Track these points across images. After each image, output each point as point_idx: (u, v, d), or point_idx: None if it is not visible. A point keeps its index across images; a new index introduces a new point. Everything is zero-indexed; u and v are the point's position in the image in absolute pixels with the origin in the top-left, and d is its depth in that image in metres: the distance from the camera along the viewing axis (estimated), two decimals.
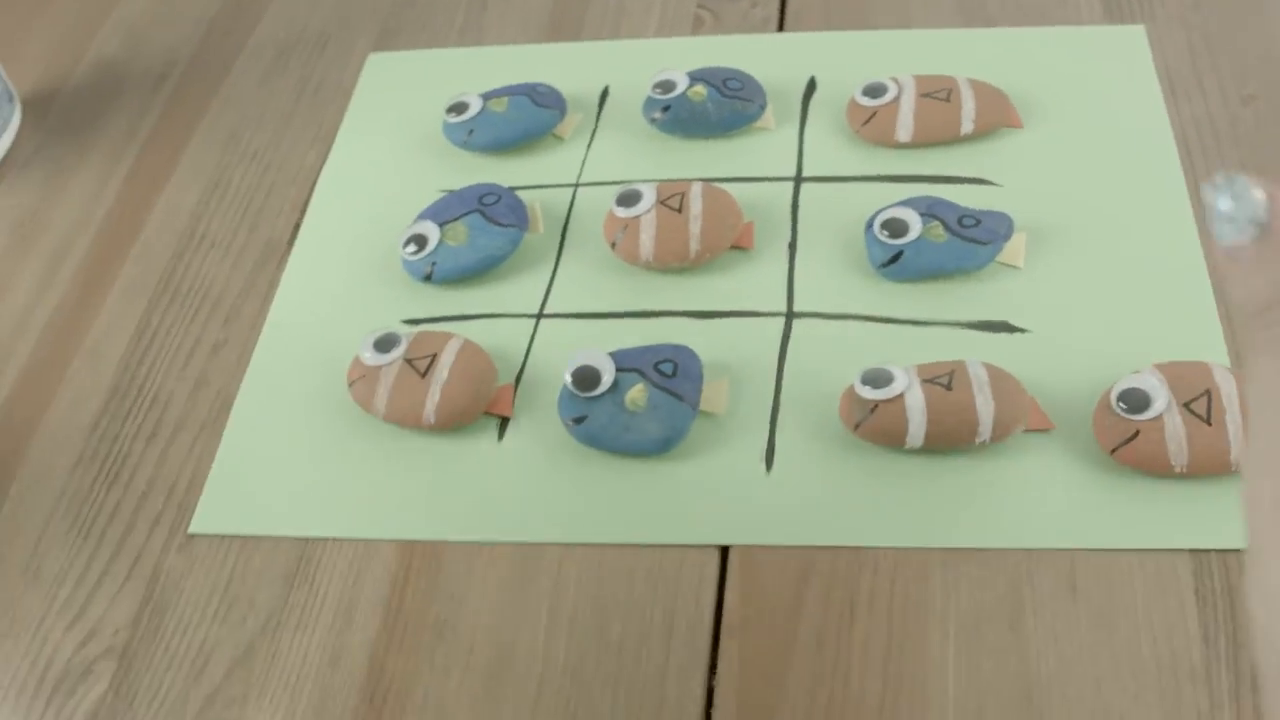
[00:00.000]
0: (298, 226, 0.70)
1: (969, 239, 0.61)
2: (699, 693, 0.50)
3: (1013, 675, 0.49)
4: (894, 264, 0.61)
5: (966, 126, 0.67)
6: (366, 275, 0.66)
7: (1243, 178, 0.34)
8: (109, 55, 0.83)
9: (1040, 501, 0.53)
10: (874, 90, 0.68)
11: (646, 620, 0.52)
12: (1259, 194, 0.34)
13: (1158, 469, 0.53)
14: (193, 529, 0.57)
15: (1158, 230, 0.62)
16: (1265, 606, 0.32)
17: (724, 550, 0.54)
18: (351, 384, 0.60)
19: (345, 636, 0.53)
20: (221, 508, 0.58)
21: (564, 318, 0.63)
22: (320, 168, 0.73)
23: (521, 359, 0.61)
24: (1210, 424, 0.52)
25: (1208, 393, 0.53)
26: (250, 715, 0.52)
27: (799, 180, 0.67)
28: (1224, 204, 0.34)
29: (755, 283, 0.63)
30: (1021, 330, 0.59)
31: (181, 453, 0.60)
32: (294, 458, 0.59)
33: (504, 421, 0.59)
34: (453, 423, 0.58)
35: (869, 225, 0.62)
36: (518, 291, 0.64)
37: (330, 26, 0.82)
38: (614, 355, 0.58)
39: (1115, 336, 0.58)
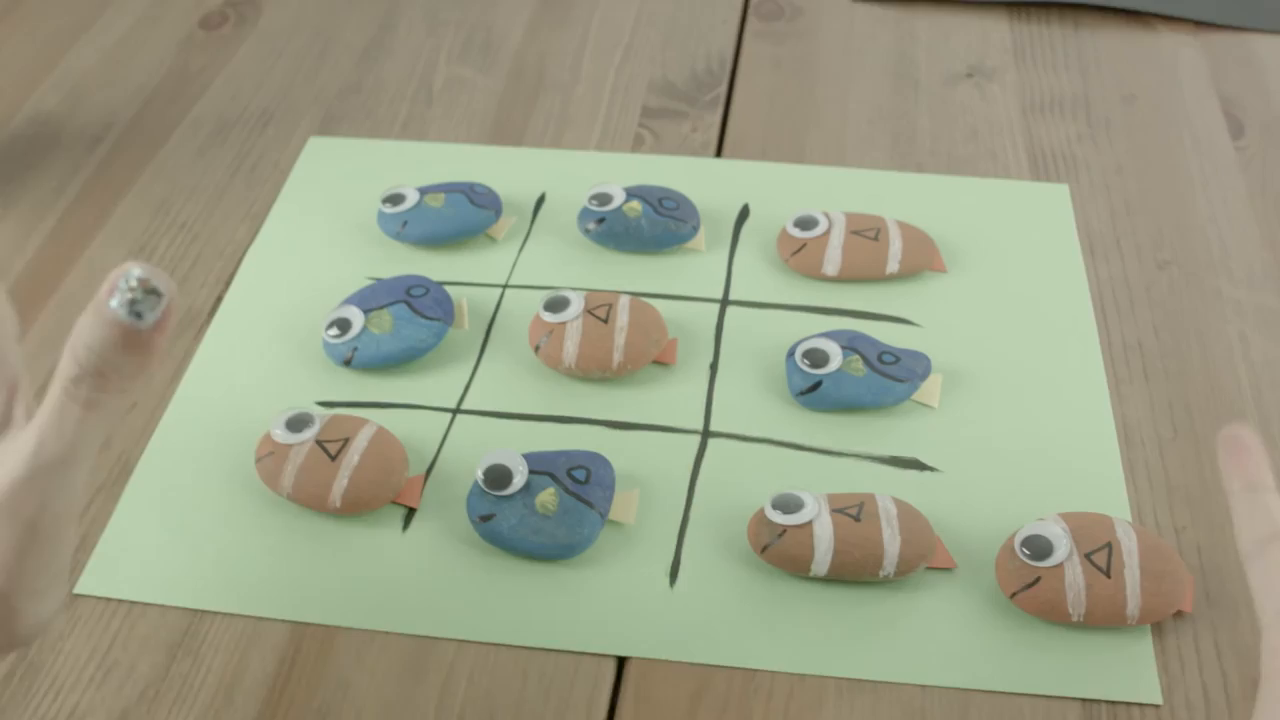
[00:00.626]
0: (220, 299, 0.69)
1: (887, 375, 0.62)
2: None
3: None
4: (812, 393, 0.62)
5: (892, 266, 0.68)
6: (285, 354, 0.66)
7: None
8: (47, 110, 0.83)
9: (938, 639, 0.54)
10: (805, 223, 0.70)
11: None
12: None
13: (1055, 616, 0.53)
14: (78, 589, 0.56)
15: (1070, 384, 0.64)
16: None
17: (620, 661, 0.54)
18: (259, 460, 0.59)
19: (224, 714, 0.52)
20: (110, 570, 0.57)
21: (481, 415, 0.63)
22: (249, 244, 0.72)
23: (434, 452, 0.61)
24: (1109, 576, 0.53)
25: (1109, 545, 0.54)
26: None
27: (725, 303, 0.68)
28: None
29: (674, 399, 0.63)
30: (932, 469, 0.60)
31: None
32: (191, 527, 0.58)
33: (411, 512, 0.59)
34: (359, 509, 0.58)
35: (790, 353, 0.63)
36: (437, 385, 0.64)
37: (274, 106, 0.83)
38: (528, 457, 0.58)
39: (1022, 483, 0.59)
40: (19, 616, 0.42)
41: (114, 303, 0.37)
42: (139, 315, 0.37)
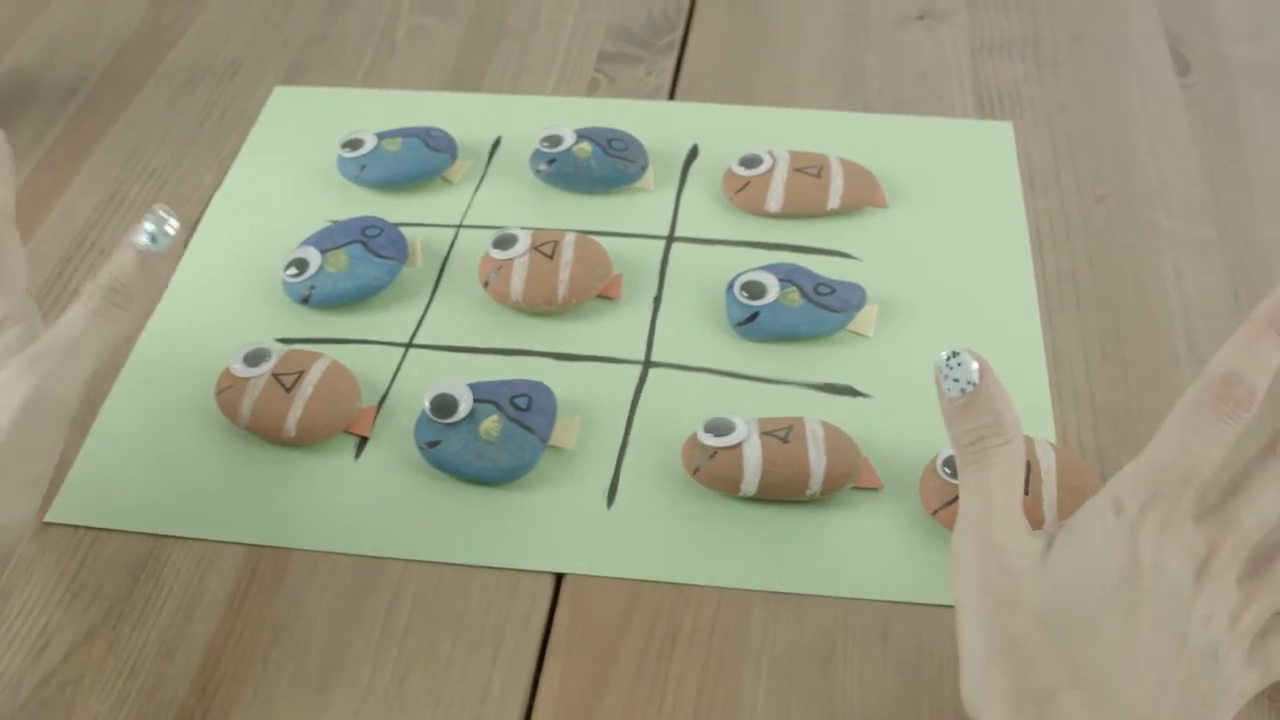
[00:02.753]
0: (186, 243, 0.72)
1: (823, 306, 0.64)
2: (518, 710, 0.52)
3: (818, 715, 0.52)
4: (749, 323, 0.64)
5: (833, 202, 0.70)
6: (248, 293, 0.68)
7: (964, 352, 0.47)
8: (24, 64, 0.85)
9: (862, 555, 0.56)
10: (749, 161, 0.72)
11: (475, 637, 0.54)
12: (975, 365, 0.46)
13: None
14: (48, 517, 0.59)
15: (1003, 312, 0.66)
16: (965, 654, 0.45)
17: (559, 578, 0.56)
18: (219, 393, 0.62)
19: (184, 630, 0.55)
20: (79, 500, 0.59)
21: (432, 349, 0.65)
22: (216, 189, 0.75)
23: (387, 384, 0.64)
24: (1028, 493, 0.56)
25: (1028, 464, 0.56)
26: (84, 697, 0.53)
27: (670, 239, 0.70)
28: (948, 369, 0.47)
29: (618, 331, 0.66)
30: (864, 395, 0.62)
31: None
32: (155, 458, 0.61)
33: (363, 441, 0.61)
34: (312, 438, 0.60)
35: (730, 286, 0.65)
36: (390, 321, 0.67)
37: (242, 57, 0.85)
38: (473, 386, 0.61)
39: None
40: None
41: (140, 235, 0.51)
42: (154, 241, 0.51)
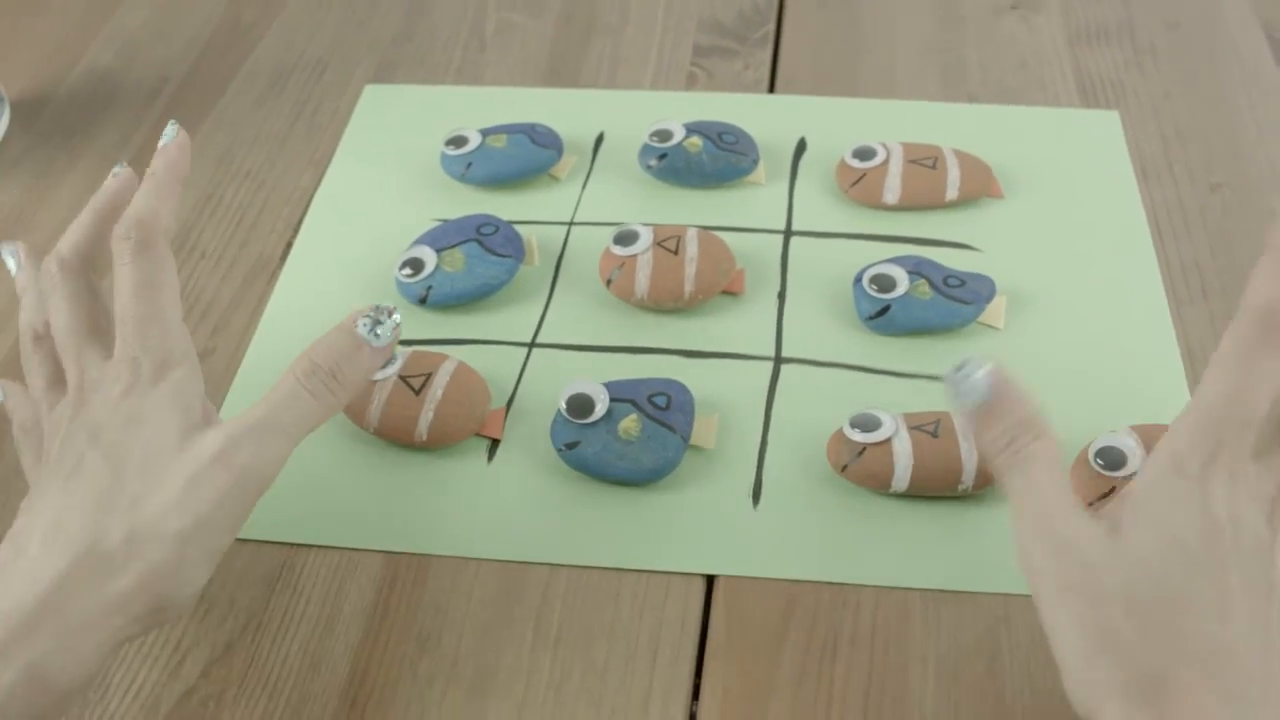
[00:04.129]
0: (290, 245, 0.70)
1: (953, 298, 0.63)
2: (682, 716, 0.51)
3: (990, 714, 0.50)
4: (881, 317, 0.63)
5: (951, 193, 0.69)
6: (359, 294, 0.67)
7: (970, 362, 0.45)
8: (103, 65, 0.84)
9: None
10: (863, 153, 0.71)
11: (631, 643, 0.53)
12: (981, 374, 0.45)
13: None
14: None
15: (1132, 303, 0.65)
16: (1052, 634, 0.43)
17: (709, 580, 0.55)
18: None
19: (326, 642, 0.54)
20: None
21: (556, 348, 0.64)
22: (314, 190, 0.74)
23: (513, 385, 0.62)
24: None
25: None
26: (226, 713, 0.51)
27: (789, 234, 0.69)
28: (958, 382, 0.46)
29: (745, 327, 0.64)
30: None
31: None
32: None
33: (494, 444, 0.60)
34: (444, 441, 0.59)
35: (858, 279, 0.64)
36: (511, 320, 0.65)
37: (328, 55, 0.84)
38: (608, 385, 0.59)
39: (1091, 398, 0.60)
40: (185, 574, 0.46)
41: (359, 324, 0.50)
42: (376, 335, 0.50)
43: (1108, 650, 0.41)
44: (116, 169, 0.56)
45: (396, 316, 0.51)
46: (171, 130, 0.54)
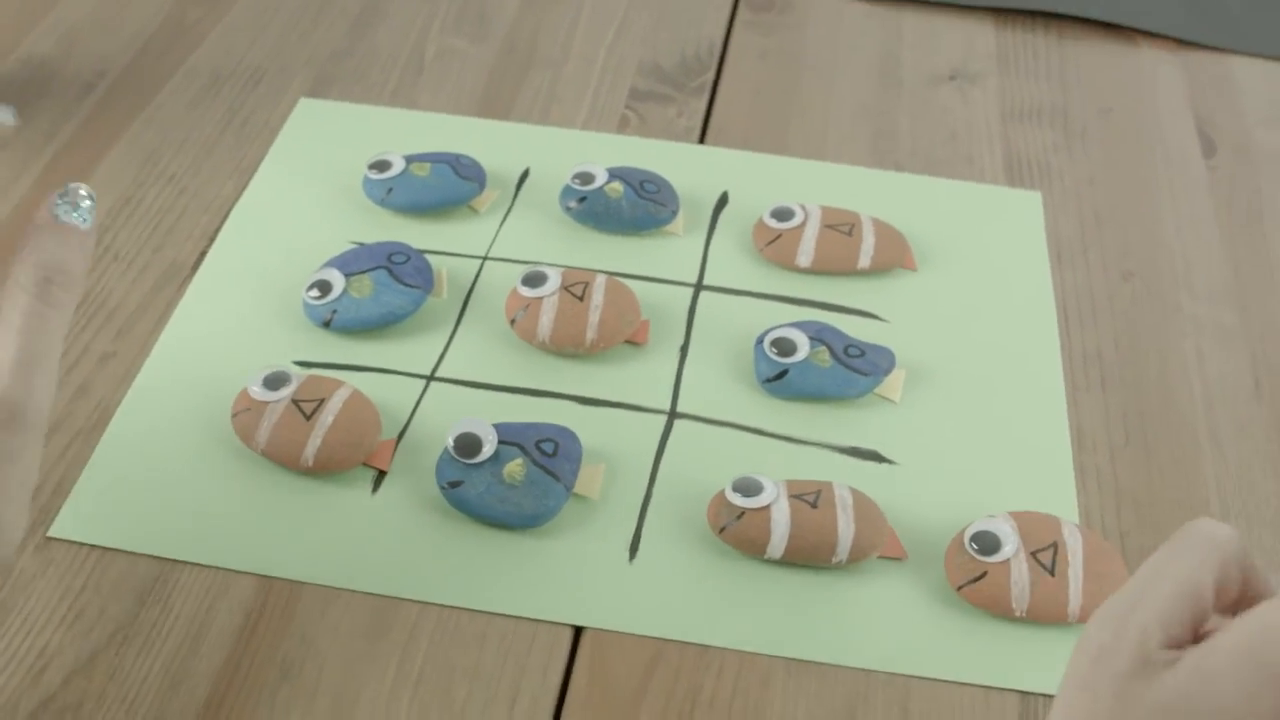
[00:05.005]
0: (204, 254, 0.70)
1: (852, 369, 0.64)
2: None
3: None
4: (778, 381, 0.63)
5: (864, 261, 0.70)
6: (266, 312, 0.67)
7: None
8: (40, 54, 0.83)
9: (885, 626, 0.56)
10: (782, 214, 0.71)
11: (492, 688, 0.53)
12: None
13: (999, 610, 0.55)
14: (52, 532, 0.57)
15: (1029, 387, 0.66)
16: None
17: (577, 631, 0.55)
18: (235, 415, 0.60)
19: (190, 662, 0.53)
20: (85, 516, 0.58)
21: (455, 383, 0.64)
22: (236, 200, 0.73)
23: (407, 417, 0.63)
24: (1053, 575, 0.55)
25: (1054, 545, 0.56)
26: None
27: (699, 287, 0.70)
28: None
29: (644, 378, 0.65)
30: (890, 461, 0.62)
31: (53, 455, 0.60)
32: (166, 478, 0.59)
33: (381, 475, 0.60)
34: (330, 468, 0.59)
35: (759, 340, 0.65)
36: (413, 351, 0.65)
37: (266, 64, 0.84)
38: (498, 427, 0.59)
39: (976, 480, 0.61)
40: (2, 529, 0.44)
41: (58, 210, 0.46)
42: (83, 218, 0.47)
43: None
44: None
45: (85, 189, 0.47)
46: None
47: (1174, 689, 0.37)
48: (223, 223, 0.72)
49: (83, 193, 0.47)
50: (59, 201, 0.46)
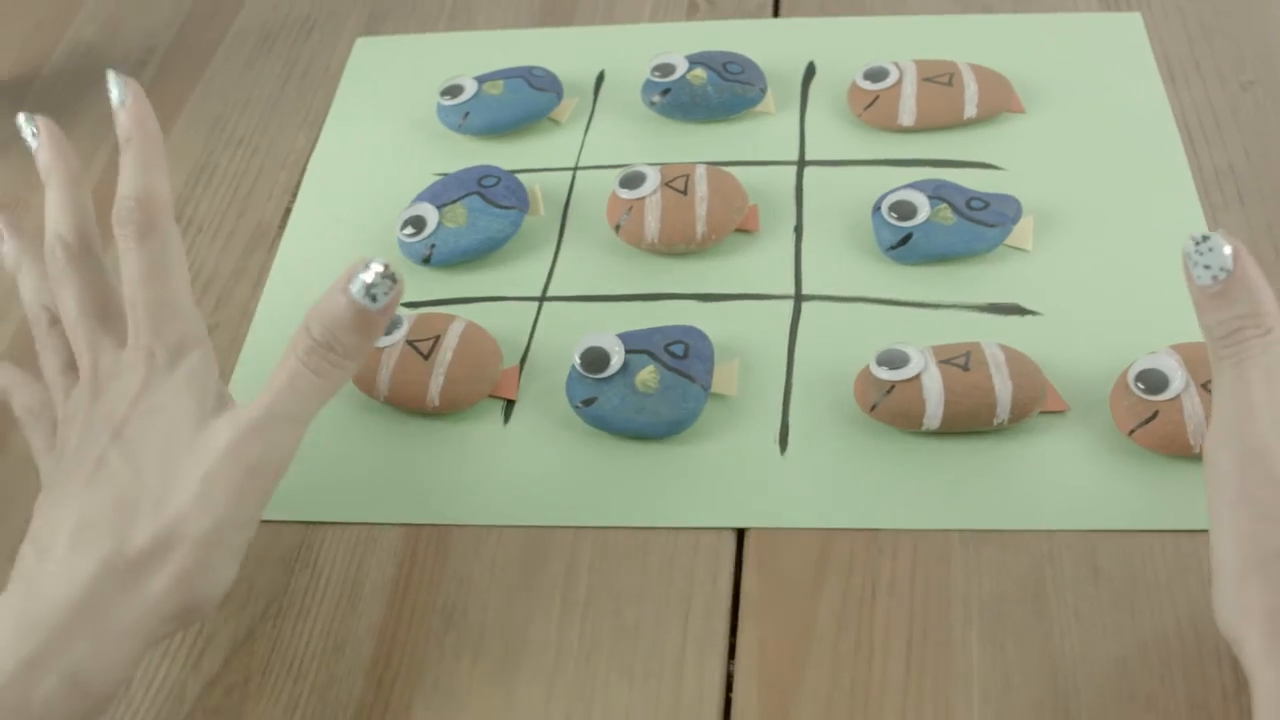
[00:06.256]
0: (288, 211, 0.68)
1: (977, 221, 0.60)
2: (718, 677, 0.49)
3: (1037, 657, 0.48)
4: (903, 246, 0.60)
5: (969, 111, 0.66)
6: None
7: (1217, 235, 0.42)
8: (87, 40, 0.81)
9: (1059, 484, 0.53)
10: (875, 74, 0.68)
11: (662, 604, 0.51)
12: (1227, 248, 0.42)
13: (1176, 449, 0.52)
14: None
15: (1164, 213, 0.62)
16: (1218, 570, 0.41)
17: (740, 533, 0.53)
18: None
19: (349, 622, 0.52)
20: None
21: (568, 300, 0.62)
22: (310, 152, 0.71)
23: (525, 342, 0.60)
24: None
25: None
26: (251, 702, 0.50)
27: (802, 164, 0.66)
28: (1198, 255, 0.43)
29: (762, 265, 0.62)
30: (1033, 313, 0.59)
31: None
32: None
33: (509, 404, 0.58)
34: (457, 405, 0.57)
35: (876, 208, 0.61)
36: (519, 274, 0.63)
37: (315, 11, 0.81)
38: (623, 337, 0.57)
39: (1127, 318, 0.58)
40: (214, 574, 0.45)
41: (354, 287, 0.45)
42: (374, 299, 0.45)
43: (1265, 573, 0.40)
44: (23, 122, 0.54)
45: (394, 275, 0.45)
46: (118, 85, 0.51)
47: None
48: (301, 177, 0.70)
49: (386, 274, 0.45)
50: (361, 277, 0.45)
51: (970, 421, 0.54)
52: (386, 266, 0.45)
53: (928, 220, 0.60)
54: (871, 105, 0.67)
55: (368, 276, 0.45)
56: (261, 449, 0.46)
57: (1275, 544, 0.40)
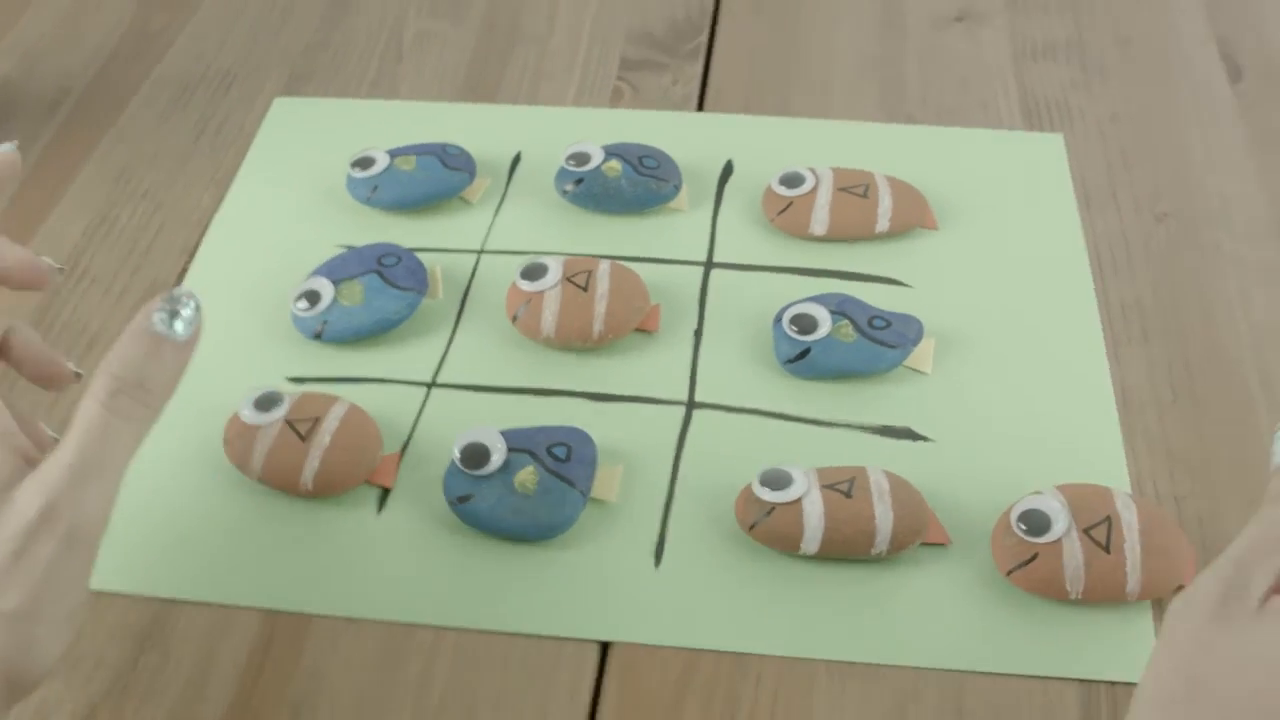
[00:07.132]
0: (185, 271, 0.67)
1: (878, 341, 0.60)
2: None
3: None
4: (800, 360, 0.60)
5: (882, 225, 0.66)
6: (253, 327, 0.63)
7: None
8: (1, 76, 0.80)
9: (932, 619, 0.52)
10: (791, 180, 0.67)
11: (516, 713, 0.50)
12: None
13: (1053, 594, 0.51)
14: None
15: (1067, 346, 0.62)
16: None
17: (604, 646, 0.52)
18: (227, 441, 0.57)
19: (196, 708, 0.50)
20: None
21: (457, 389, 0.61)
22: (214, 212, 0.70)
23: (409, 428, 0.59)
24: (1109, 551, 0.51)
25: (1108, 519, 0.52)
26: None
27: (709, 265, 0.66)
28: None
29: (658, 368, 0.61)
30: (925, 439, 0.58)
31: None
32: (158, 512, 0.56)
33: (385, 492, 0.57)
34: (331, 490, 0.56)
35: (778, 319, 0.61)
36: (411, 357, 0.62)
37: (237, 67, 0.80)
38: (506, 434, 0.56)
39: (1018, 452, 0.57)
40: (35, 649, 0.42)
41: (155, 318, 0.43)
42: (175, 329, 0.43)
43: None
44: None
45: (195, 301, 0.43)
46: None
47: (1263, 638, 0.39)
48: (202, 237, 0.69)
49: (186, 301, 0.44)
50: (159, 308, 0.43)
51: (848, 549, 0.53)
52: (190, 295, 0.44)
53: (828, 336, 0.60)
54: (785, 211, 0.66)
55: (166, 305, 0.43)
56: (72, 513, 0.42)
57: None
